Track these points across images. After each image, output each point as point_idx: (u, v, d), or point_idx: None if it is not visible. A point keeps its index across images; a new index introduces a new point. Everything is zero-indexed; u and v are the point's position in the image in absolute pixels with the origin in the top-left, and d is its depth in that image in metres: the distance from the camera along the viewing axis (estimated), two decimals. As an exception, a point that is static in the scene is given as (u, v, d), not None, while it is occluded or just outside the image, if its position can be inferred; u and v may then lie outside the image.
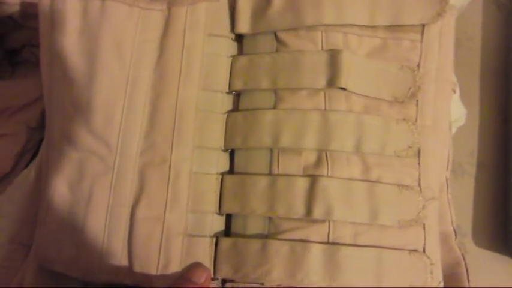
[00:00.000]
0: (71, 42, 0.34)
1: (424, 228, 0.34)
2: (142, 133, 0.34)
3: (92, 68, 0.34)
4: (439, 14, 0.34)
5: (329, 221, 0.32)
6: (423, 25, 0.35)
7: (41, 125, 0.51)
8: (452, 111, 0.40)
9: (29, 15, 0.50)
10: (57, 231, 0.33)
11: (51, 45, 0.35)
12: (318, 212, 0.32)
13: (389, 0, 0.34)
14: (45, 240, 0.33)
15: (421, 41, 0.35)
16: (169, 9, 0.36)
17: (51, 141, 0.35)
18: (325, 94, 0.34)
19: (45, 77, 0.36)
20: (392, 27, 0.35)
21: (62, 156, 0.34)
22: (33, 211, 0.37)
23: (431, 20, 0.35)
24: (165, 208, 0.33)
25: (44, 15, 0.35)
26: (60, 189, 0.33)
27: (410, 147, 0.34)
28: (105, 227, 0.33)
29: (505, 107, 0.49)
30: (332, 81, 0.33)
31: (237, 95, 0.37)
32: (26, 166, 0.49)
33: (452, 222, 0.38)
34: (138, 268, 0.32)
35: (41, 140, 0.51)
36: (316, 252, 0.31)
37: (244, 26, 0.36)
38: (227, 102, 0.36)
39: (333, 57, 0.34)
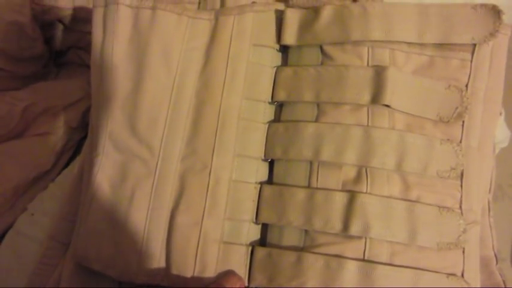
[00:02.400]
0: (121, 49, 0.36)
1: (463, 252, 0.33)
2: (184, 139, 0.35)
3: (140, 74, 0.35)
4: (492, 34, 0.33)
5: (366, 238, 0.32)
6: (474, 44, 0.34)
7: (81, 126, 0.52)
8: (497, 133, 0.39)
9: (79, 19, 0.53)
10: (98, 230, 0.34)
11: (102, 51, 0.36)
12: (355, 229, 0.31)
13: (439, 18, 0.34)
14: (85, 238, 0.34)
15: (471, 61, 0.34)
16: (216, 18, 0.37)
17: (95, 142, 0.36)
18: (368, 110, 0.34)
19: (95, 81, 0.38)
20: (442, 46, 0.34)
21: (106, 157, 0.35)
22: (74, 210, 0.38)
23: (483, 40, 0.34)
24: (203, 214, 0.34)
25: (97, 22, 0.37)
26: (103, 188, 0.34)
27: (453, 168, 0.33)
28: (145, 229, 0.33)
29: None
30: (376, 98, 0.33)
31: (279, 106, 0.37)
32: (66, 165, 0.51)
33: (493, 246, 0.37)
34: (174, 271, 0.33)
35: (81, 140, 0.53)
36: (351, 269, 0.31)
37: (290, 37, 0.36)
38: (269, 112, 0.37)
39: (379, 74, 0.33)
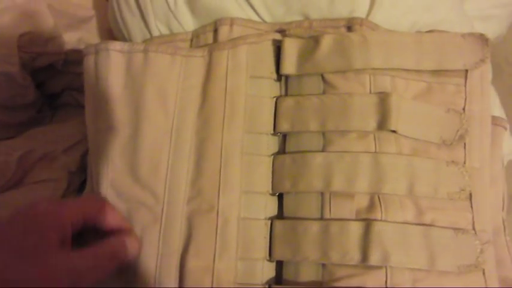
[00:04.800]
0: (115, 95, 0.35)
1: (484, 274, 0.32)
2: (188, 180, 0.34)
3: (137, 118, 0.35)
4: (482, 60, 0.35)
5: (386, 267, 0.31)
6: (466, 70, 0.36)
7: (80, 169, 0.51)
8: (503, 148, 0.39)
9: (70, 62, 0.52)
10: (108, 284, 0.33)
11: (96, 98, 0.36)
12: (374, 258, 0.31)
13: (434, 46, 0.35)
14: None
15: (465, 85, 0.36)
16: (210, 54, 0.37)
17: (97, 191, 0.36)
18: (374, 137, 0.34)
19: (91, 129, 0.37)
20: (437, 72, 0.36)
21: None
22: None
23: (474, 66, 0.35)
24: (214, 257, 0.33)
25: (89, 70, 0.36)
26: None
27: (462, 189, 0.33)
28: (156, 277, 0.32)
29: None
30: (383, 124, 0.33)
31: (283, 137, 0.36)
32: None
33: (512, 266, 0.37)
34: None
35: (81, 184, 0.52)
36: None
37: (290, 67, 0.36)
38: (273, 144, 0.36)
39: (383, 100, 0.33)
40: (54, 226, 0.28)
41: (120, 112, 0.35)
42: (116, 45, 0.36)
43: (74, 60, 0.52)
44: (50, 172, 0.49)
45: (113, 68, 0.36)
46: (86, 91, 0.37)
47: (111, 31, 0.47)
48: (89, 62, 0.36)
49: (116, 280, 0.33)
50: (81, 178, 0.52)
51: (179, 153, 0.35)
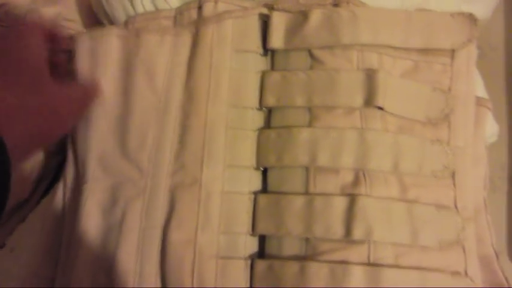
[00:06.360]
0: (110, 76, 0.36)
1: (464, 250, 0.33)
2: (172, 154, 0.34)
3: (128, 98, 0.35)
4: (469, 40, 0.36)
5: (369, 242, 0.31)
6: (453, 50, 0.36)
7: (58, 150, 0.50)
8: (486, 129, 0.39)
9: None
10: (91, 262, 0.32)
11: (90, 79, 0.36)
12: (357, 233, 0.31)
13: (422, 25, 0.35)
14: (80, 270, 0.33)
15: (451, 65, 0.36)
16: (197, 31, 0.36)
17: (82, 169, 0.35)
18: (361, 113, 0.34)
19: None
20: (424, 51, 0.36)
21: (95, 183, 0.34)
22: (57, 243, 0.36)
23: (461, 46, 0.36)
24: (196, 230, 0.32)
25: (83, 53, 0.36)
26: (93, 216, 0.33)
27: (446, 167, 0.34)
28: (138, 252, 0.32)
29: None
30: (369, 100, 0.33)
31: (269, 112, 0.36)
32: (45, 192, 0.48)
33: (492, 244, 0.37)
34: None
35: (59, 166, 0.50)
36: (357, 274, 0.30)
37: (277, 41, 0.35)
38: (258, 119, 0.36)
39: (370, 77, 0.33)
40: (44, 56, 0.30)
41: (113, 92, 0.35)
42: (113, 30, 0.37)
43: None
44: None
45: (110, 52, 0.36)
46: (78, 73, 0.37)
47: (91, 7, 0.46)
48: (83, 44, 0.36)
49: (97, 262, 0.32)
50: (59, 159, 0.51)
51: (164, 128, 0.35)
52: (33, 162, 0.47)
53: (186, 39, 0.37)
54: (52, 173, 0.50)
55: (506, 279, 0.36)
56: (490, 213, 0.38)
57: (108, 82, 0.36)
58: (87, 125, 0.36)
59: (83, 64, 0.36)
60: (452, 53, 0.36)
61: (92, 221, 0.33)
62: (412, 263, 0.31)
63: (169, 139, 0.34)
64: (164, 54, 0.36)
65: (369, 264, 0.31)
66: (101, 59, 0.36)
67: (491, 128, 0.41)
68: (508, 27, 0.53)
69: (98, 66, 0.36)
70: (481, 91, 0.40)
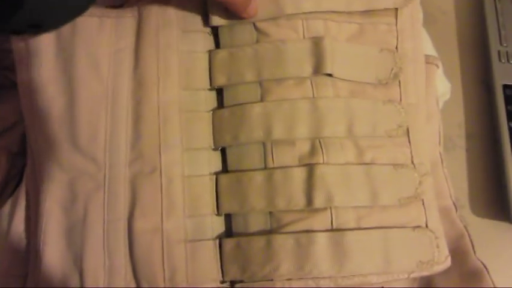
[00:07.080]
0: (48, 68, 0.34)
1: (423, 204, 0.34)
2: (128, 143, 0.33)
3: (71, 86, 0.33)
4: None
5: (331, 208, 0.32)
6: (396, 9, 0.36)
7: (22, 151, 0.49)
8: (438, 87, 0.40)
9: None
10: (58, 263, 0.32)
11: (29, 76, 0.34)
12: (318, 201, 0.31)
13: None
14: (48, 276, 0.32)
15: (396, 24, 0.36)
16: (140, 13, 0.35)
17: (37, 167, 0.34)
18: (311, 82, 0.34)
19: (25, 104, 0.35)
20: (368, 13, 0.36)
21: (52, 180, 0.33)
22: (25, 241, 0.36)
23: (403, 4, 0.36)
24: (162, 217, 0.32)
25: (19, 48, 0.34)
26: (55, 214, 0.32)
27: (400, 126, 0.34)
28: (104, 246, 0.32)
29: (486, 76, 0.49)
30: (318, 68, 0.33)
31: (221, 91, 0.36)
32: (12, 194, 0.47)
33: (451, 196, 0.39)
34: (145, 284, 0.31)
35: (24, 166, 0.50)
36: (321, 241, 0.31)
37: (219, 18, 0.35)
38: (211, 100, 0.35)
39: (316, 45, 0.33)
40: None
41: (54, 83, 0.34)
42: None
43: None
44: (-12, 155, 0.47)
45: (43, 39, 0.34)
46: (17, 67, 0.35)
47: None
48: (18, 39, 0.34)
49: (65, 262, 0.32)
50: (24, 160, 0.50)
51: (116, 118, 0.33)
52: (-5, 166, 0.47)
53: (128, 22, 0.35)
54: (18, 175, 0.49)
55: (465, 227, 0.38)
56: (447, 167, 0.39)
57: (47, 71, 0.33)
58: (33, 119, 0.35)
59: (19, 56, 0.35)
60: (396, 11, 0.36)
61: (53, 220, 0.32)
62: (374, 224, 0.32)
63: (122, 128, 0.33)
64: (105, 39, 0.34)
65: (333, 230, 0.32)
66: (34, 48, 0.34)
67: (444, 87, 0.42)
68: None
69: (32, 56, 0.34)
70: (429, 49, 0.41)
